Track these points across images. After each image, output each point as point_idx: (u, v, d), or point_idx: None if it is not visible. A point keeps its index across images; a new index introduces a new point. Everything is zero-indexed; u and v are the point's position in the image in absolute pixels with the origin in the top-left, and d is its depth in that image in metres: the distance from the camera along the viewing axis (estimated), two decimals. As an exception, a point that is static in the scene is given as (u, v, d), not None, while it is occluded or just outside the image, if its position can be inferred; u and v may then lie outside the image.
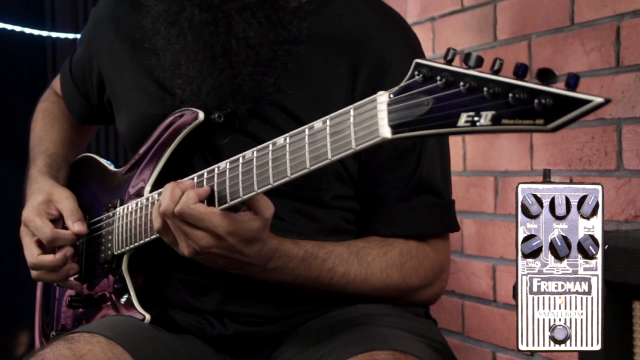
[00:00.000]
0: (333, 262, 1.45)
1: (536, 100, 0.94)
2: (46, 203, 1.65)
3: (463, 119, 1.01)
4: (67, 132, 1.87)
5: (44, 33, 3.41)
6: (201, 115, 1.48)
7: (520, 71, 0.97)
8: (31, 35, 3.39)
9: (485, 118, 0.99)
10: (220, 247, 1.34)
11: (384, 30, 1.54)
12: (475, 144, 2.53)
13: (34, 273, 1.67)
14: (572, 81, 0.93)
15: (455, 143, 2.59)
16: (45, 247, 1.64)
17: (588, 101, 0.92)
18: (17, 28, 3.34)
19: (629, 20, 1.95)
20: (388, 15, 1.59)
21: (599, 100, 0.91)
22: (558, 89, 0.94)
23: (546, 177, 1.17)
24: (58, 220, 1.65)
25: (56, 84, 1.94)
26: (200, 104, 1.49)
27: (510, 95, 0.96)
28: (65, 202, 1.65)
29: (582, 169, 2.09)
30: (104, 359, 1.32)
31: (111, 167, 1.75)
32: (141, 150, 1.58)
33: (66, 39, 3.40)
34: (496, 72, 1.00)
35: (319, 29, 1.51)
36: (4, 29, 3.30)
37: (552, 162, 2.19)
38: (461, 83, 1.01)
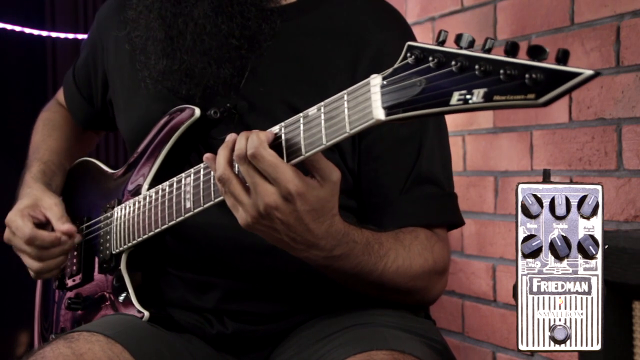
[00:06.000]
0: (387, 247, 1.41)
1: (527, 76, 0.95)
2: (32, 207, 1.65)
3: (455, 97, 1.02)
4: (66, 141, 1.87)
5: (44, 33, 3.41)
6: (197, 111, 1.49)
7: (511, 49, 0.98)
8: (31, 35, 3.39)
9: (477, 95, 1.00)
10: (287, 213, 1.23)
11: (381, 23, 1.55)
12: (475, 143, 2.52)
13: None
14: (562, 55, 0.94)
15: (455, 143, 2.59)
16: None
17: (578, 74, 0.93)
18: (17, 28, 3.35)
19: (629, 20, 1.95)
20: (385, 10, 1.61)
21: (589, 72, 0.93)
22: (548, 64, 0.95)
23: (546, 177, 1.17)
24: (45, 226, 1.64)
25: (59, 94, 1.95)
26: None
27: (502, 71, 0.97)
28: (55, 209, 1.64)
29: (582, 169, 2.09)
30: (103, 358, 1.32)
31: (108, 169, 1.75)
32: (139, 149, 1.59)
33: (66, 39, 3.41)
34: (488, 51, 1.01)
35: (319, 23, 1.52)
36: (4, 29, 3.30)
37: (552, 162, 2.19)
38: (453, 62, 1.02)
